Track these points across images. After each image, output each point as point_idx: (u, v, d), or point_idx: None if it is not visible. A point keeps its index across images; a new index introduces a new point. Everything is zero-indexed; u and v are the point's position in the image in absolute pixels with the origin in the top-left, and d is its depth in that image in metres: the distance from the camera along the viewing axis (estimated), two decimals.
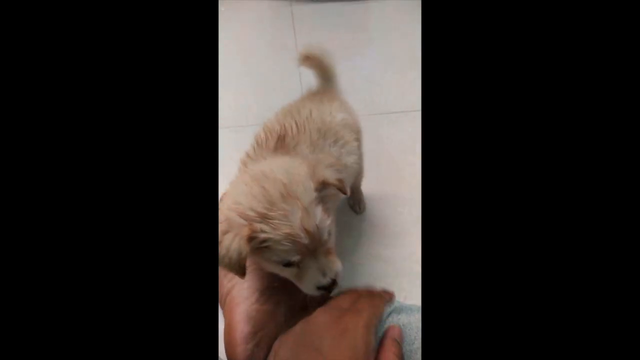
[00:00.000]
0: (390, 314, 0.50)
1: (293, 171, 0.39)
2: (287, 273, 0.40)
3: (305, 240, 0.36)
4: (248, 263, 0.57)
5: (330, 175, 0.39)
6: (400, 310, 0.51)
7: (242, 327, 0.51)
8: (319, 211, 0.37)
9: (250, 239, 0.36)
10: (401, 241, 0.69)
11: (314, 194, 0.38)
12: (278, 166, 0.40)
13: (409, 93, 0.99)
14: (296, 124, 0.50)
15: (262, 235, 0.36)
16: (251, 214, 0.36)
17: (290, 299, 0.52)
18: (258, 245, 0.37)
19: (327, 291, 0.39)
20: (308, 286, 0.39)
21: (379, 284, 0.64)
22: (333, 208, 0.41)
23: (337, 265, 0.39)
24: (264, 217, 0.36)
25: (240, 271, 0.38)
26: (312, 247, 0.37)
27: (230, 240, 0.36)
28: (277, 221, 0.36)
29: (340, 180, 0.40)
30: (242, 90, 1.01)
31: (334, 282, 0.39)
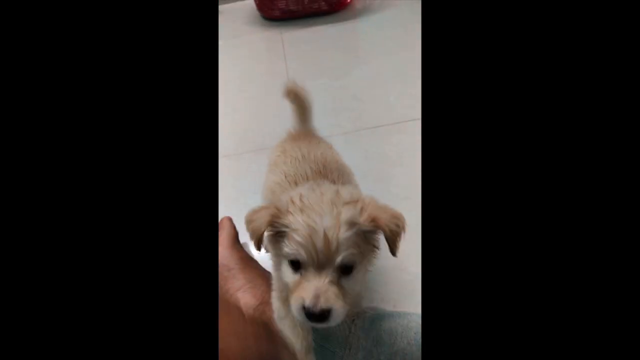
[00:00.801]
0: (373, 320, 0.52)
1: (354, 194, 0.39)
2: (290, 278, 0.39)
3: (319, 244, 0.34)
4: (239, 283, 0.60)
5: (387, 220, 0.36)
6: (382, 317, 0.53)
7: (233, 344, 0.54)
8: (349, 234, 0.35)
9: (271, 223, 0.38)
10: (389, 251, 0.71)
11: (356, 221, 0.36)
12: (343, 188, 0.42)
13: (394, 107, 1.03)
14: (324, 167, 0.52)
15: (283, 221, 0.37)
16: (297, 201, 0.38)
17: None
18: (278, 230, 0.38)
19: (311, 321, 0.35)
20: (295, 302, 0.36)
21: (369, 292, 0.66)
22: (365, 253, 0.38)
23: (337, 302, 0.35)
24: (303, 208, 0.37)
25: (256, 243, 0.39)
26: (322, 261, 0.35)
27: (260, 215, 0.38)
28: (308, 213, 0.36)
29: (394, 233, 0.37)
30: (237, 119, 1.07)
31: (321, 317, 0.34)
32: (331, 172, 0.53)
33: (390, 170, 0.86)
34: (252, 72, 1.27)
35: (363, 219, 0.36)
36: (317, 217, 0.35)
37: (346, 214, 0.36)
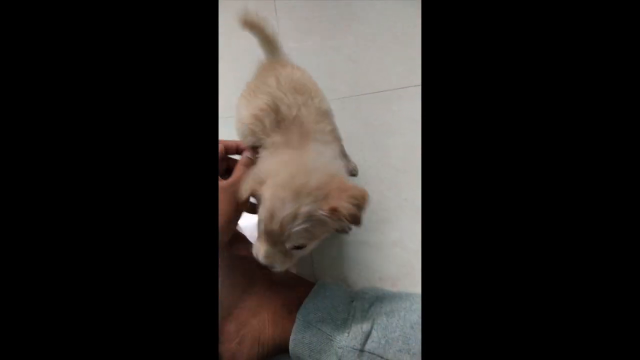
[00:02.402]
0: (373, 302, 0.49)
1: (317, 174, 0.40)
2: (259, 225, 0.44)
3: (275, 228, 0.39)
4: (224, 262, 0.56)
5: (346, 209, 0.38)
6: (383, 298, 0.50)
7: (225, 326, 0.50)
8: (304, 227, 0.39)
9: (252, 193, 0.43)
10: (389, 226, 0.67)
11: (314, 214, 0.39)
12: (312, 160, 0.43)
13: (391, 71, 0.96)
14: (280, 91, 0.50)
15: (259, 192, 0.41)
16: (270, 180, 0.41)
17: (273, 299, 0.51)
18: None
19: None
20: (255, 249, 0.44)
21: (366, 271, 0.63)
22: (320, 235, 0.42)
23: (281, 264, 0.43)
24: (272, 189, 0.40)
25: (242, 206, 0.47)
26: (276, 239, 0.40)
27: (245, 185, 0.43)
28: (274, 197, 0.39)
29: (354, 217, 0.39)
30: (223, 81, 0.98)
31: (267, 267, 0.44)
32: (306, 93, 0.50)
33: (389, 141, 0.81)
34: (241, 32, 1.16)
35: (323, 210, 0.39)
36: (279, 203, 0.39)
37: (305, 207, 0.38)
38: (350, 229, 0.67)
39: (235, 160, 0.51)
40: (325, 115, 0.52)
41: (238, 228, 0.62)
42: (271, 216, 0.39)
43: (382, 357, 0.43)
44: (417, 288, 0.60)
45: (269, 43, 0.62)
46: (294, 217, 0.38)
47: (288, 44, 1.12)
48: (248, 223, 0.56)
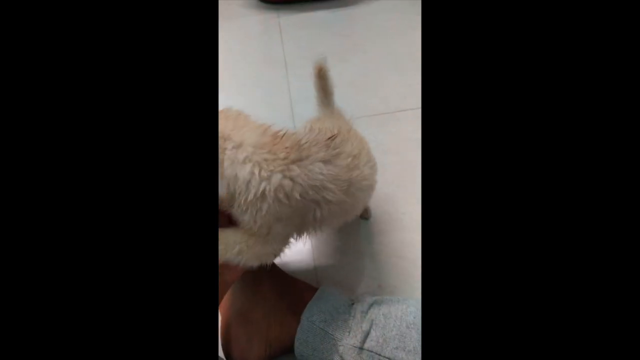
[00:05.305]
0: (372, 305, 0.53)
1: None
2: None
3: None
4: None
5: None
6: (381, 302, 0.54)
7: (236, 327, 0.54)
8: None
9: None
10: (387, 238, 0.72)
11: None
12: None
13: (390, 95, 1.03)
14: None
15: None
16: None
17: (280, 303, 0.55)
18: None
19: None
20: None
21: (366, 279, 0.67)
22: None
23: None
24: None
25: None
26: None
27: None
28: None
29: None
30: (234, 104, 1.05)
31: None
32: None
33: (387, 159, 0.87)
34: (247, 57, 1.24)
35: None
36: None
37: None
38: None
39: None
40: (369, 188, 0.56)
41: None
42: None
43: (379, 355, 0.47)
44: (415, 295, 0.64)
45: (329, 92, 0.68)
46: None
47: (295, 71, 1.21)
48: None
